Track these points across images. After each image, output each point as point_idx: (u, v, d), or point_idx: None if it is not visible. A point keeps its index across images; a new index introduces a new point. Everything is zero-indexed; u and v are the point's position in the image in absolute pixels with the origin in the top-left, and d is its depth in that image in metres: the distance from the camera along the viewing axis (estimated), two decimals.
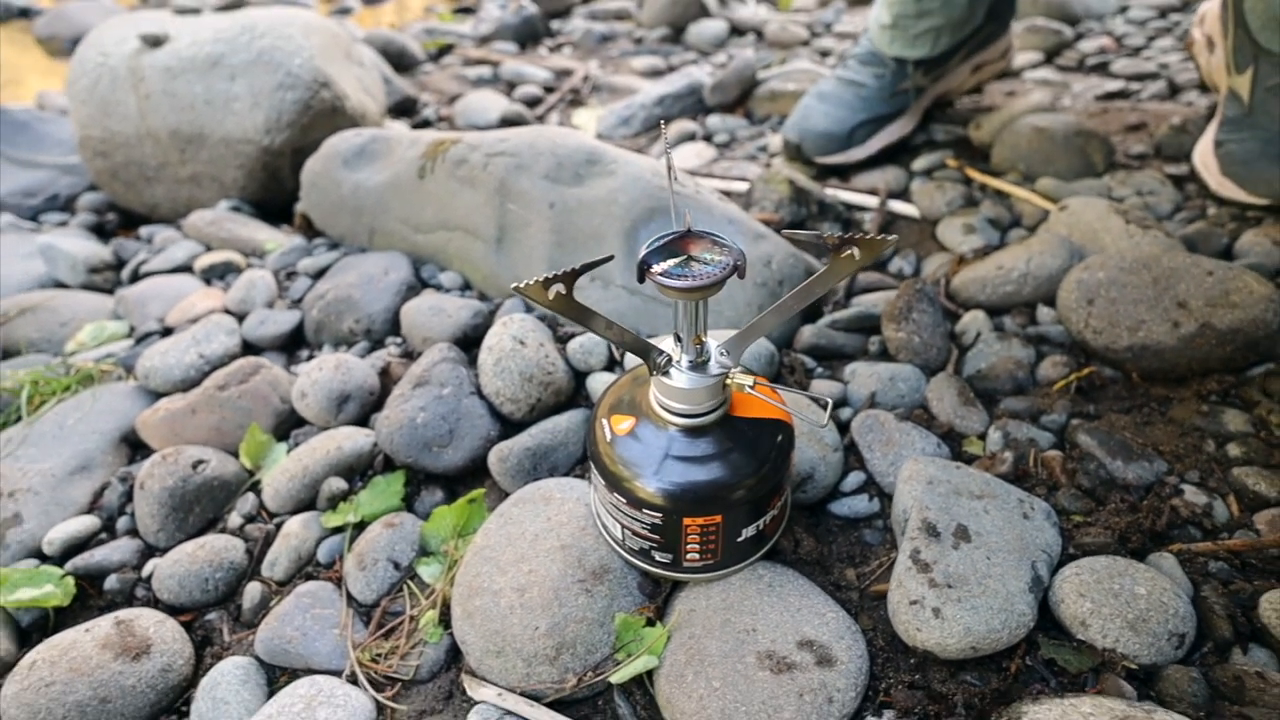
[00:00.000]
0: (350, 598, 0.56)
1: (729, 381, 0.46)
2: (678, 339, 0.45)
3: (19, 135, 1.26)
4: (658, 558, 0.49)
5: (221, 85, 1.00)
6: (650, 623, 0.49)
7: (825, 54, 1.55)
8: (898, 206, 0.96)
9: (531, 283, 0.36)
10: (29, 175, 1.22)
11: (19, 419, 0.71)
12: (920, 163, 1.04)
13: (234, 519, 0.62)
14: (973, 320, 0.72)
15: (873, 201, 0.97)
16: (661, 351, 0.45)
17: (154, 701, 0.50)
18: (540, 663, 0.47)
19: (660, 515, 0.46)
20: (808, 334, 0.71)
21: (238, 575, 0.58)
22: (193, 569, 0.56)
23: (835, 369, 0.70)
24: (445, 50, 1.80)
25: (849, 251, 0.37)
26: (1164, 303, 0.64)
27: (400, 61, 1.69)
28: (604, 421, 0.49)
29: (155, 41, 1.03)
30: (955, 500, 0.51)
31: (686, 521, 0.46)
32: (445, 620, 0.53)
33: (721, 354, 0.45)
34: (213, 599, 0.57)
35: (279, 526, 0.61)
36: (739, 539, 0.48)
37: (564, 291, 0.37)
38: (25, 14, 2.48)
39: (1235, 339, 0.61)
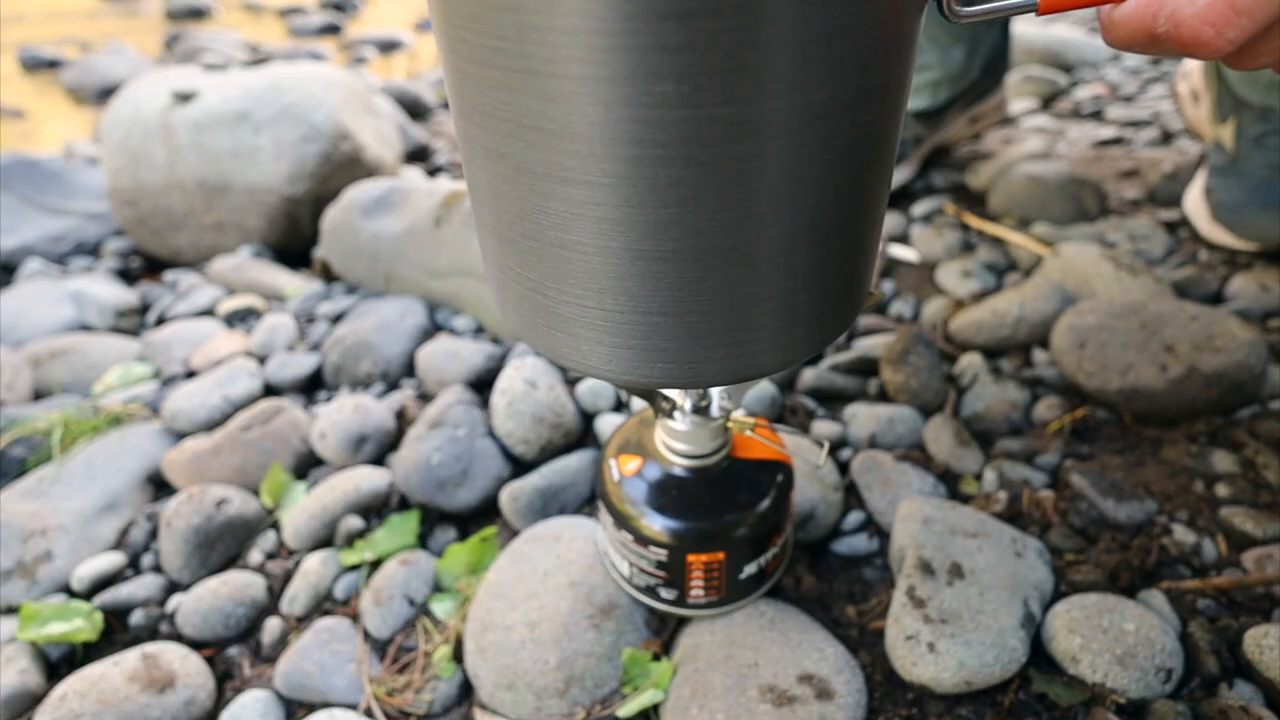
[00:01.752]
0: (366, 634, 0.58)
1: (730, 424, 0.48)
2: None
3: (50, 184, 1.32)
4: (664, 594, 0.51)
5: (247, 138, 1.06)
6: (656, 658, 0.51)
7: None
8: (898, 252, 1.00)
9: None
10: (58, 222, 1.28)
11: (49, 458, 0.74)
12: (919, 208, 1.07)
13: (255, 555, 0.64)
14: (970, 363, 0.75)
15: None
16: (666, 396, 0.47)
17: None
18: (550, 696, 0.49)
19: (666, 552, 0.48)
20: (809, 377, 0.74)
21: (258, 611, 0.60)
22: (216, 605, 0.59)
23: (835, 410, 0.72)
24: None
25: None
26: (1152, 347, 0.66)
27: (414, 110, 1.76)
28: (612, 462, 0.51)
29: (186, 97, 1.09)
30: (950, 539, 0.53)
31: (690, 558, 0.48)
32: (458, 655, 0.55)
33: (723, 397, 0.48)
34: (234, 634, 0.59)
35: (298, 564, 0.63)
36: (741, 576, 0.50)
37: None
38: (53, 65, 2.59)
39: (1221, 382, 0.63)
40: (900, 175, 1.11)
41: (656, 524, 0.48)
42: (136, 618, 0.60)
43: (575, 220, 0.28)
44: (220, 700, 0.55)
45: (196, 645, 0.58)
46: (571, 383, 0.73)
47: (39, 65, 2.59)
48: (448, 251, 0.87)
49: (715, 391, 0.48)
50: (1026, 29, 1.64)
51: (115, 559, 0.64)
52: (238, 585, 0.60)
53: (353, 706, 0.53)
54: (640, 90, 0.24)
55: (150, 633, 0.60)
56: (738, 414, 0.48)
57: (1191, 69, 1.14)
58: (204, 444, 0.70)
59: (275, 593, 0.61)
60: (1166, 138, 1.24)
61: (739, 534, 0.48)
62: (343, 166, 1.09)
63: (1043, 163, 1.06)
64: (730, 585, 0.50)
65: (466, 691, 0.53)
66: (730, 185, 0.26)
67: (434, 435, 0.66)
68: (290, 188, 1.06)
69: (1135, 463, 0.63)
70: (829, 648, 0.49)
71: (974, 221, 1.02)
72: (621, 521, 0.49)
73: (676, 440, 0.48)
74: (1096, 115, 1.37)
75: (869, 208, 0.31)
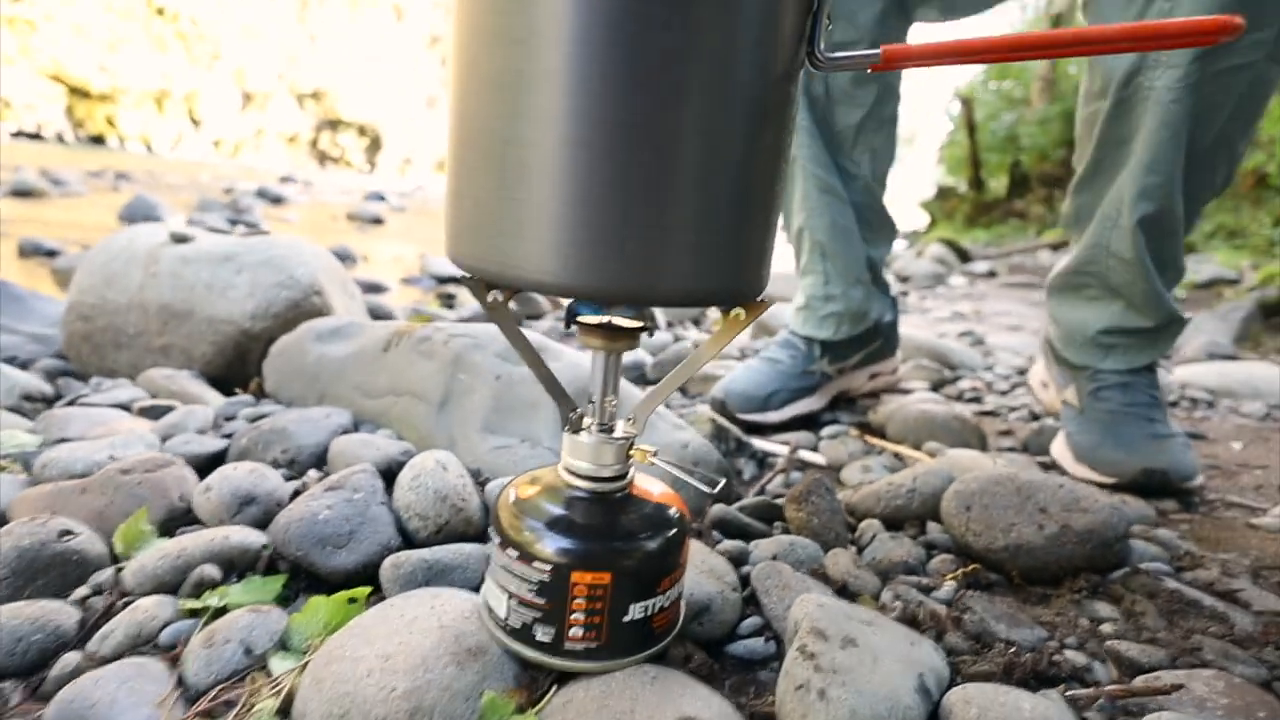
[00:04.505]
0: (182, 679, 0.49)
1: (633, 452, 0.50)
2: (590, 401, 0.50)
3: (11, 306, 1.35)
4: (539, 636, 0.47)
5: (226, 275, 1.14)
6: (520, 710, 0.45)
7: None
8: (806, 455, 1.07)
9: (475, 280, 0.43)
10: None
11: None
12: (827, 430, 1.18)
13: (80, 591, 0.56)
14: (869, 524, 0.78)
15: (784, 449, 1.07)
16: (575, 406, 0.50)
17: None
18: None
19: (550, 569, 0.46)
20: (717, 510, 0.75)
21: (58, 643, 0.51)
22: (7, 626, 0.50)
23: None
24: (426, 322, 2.04)
25: (735, 312, 0.46)
26: (1028, 508, 0.71)
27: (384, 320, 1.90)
28: (511, 489, 0.51)
29: (181, 239, 1.19)
30: (845, 620, 0.51)
31: (575, 577, 0.45)
32: (285, 710, 0.47)
33: (628, 423, 0.50)
34: (16, 666, 0.49)
35: (128, 603, 0.55)
36: (625, 618, 0.47)
37: (501, 299, 0.44)
38: (51, 254, 2.76)
39: (1091, 538, 0.67)
40: (811, 404, 1.24)
41: (546, 541, 0.46)
42: None
43: (520, 118, 0.37)
44: None
45: None
46: (481, 484, 0.72)
47: (36, 252, 2.75)
48: (387, 374, 0.90)
49: (620, 421, 0.51)
50: (917, 334, 1.95)
51: None
52: (45, 609, 0.52)
53: None
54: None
55: None
56: (640, 444, 0.50)
57: (1035, 372, 1.39)
58: (70, 483, 0.65)
59: (88, 628, 0.53)
60: (1034, 417, 1.42)
61: (626, 563, 0.47)
62: (307, 316, 1.16)
63: (933, 404, 1.20)
64: (613, 628, 0.47)
65: None
66: (629, 67, 0.35)
67: (329, 495, 0.63)
68: (250, 322, 1.11)
69: (1026, 608, 0.63)
70: (714, 699, 0.44)
71: (873, 440, 1.12)
72: (509, 540, 0.47)
73: (579, 458, 0.49)
74: (976, 400, 1.58)
75: (756, 149, 0.39)
